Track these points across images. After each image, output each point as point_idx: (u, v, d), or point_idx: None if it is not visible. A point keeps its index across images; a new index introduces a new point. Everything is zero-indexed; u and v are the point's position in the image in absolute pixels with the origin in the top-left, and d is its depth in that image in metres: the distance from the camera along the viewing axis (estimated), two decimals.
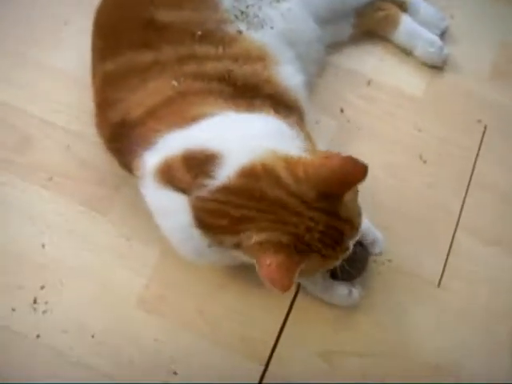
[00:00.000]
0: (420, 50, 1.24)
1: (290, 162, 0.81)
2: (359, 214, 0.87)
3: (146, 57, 1.05)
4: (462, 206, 1.08)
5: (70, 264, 0.99)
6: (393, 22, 1.26)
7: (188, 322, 0.96)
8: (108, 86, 1.07)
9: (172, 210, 0.89)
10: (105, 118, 1.05)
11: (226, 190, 0.81)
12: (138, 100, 1.01)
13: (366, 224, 1.00)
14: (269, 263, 0.77)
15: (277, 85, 1.07)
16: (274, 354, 0.95)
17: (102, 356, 0.93)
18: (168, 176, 0.90)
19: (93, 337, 0.93)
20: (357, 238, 0.86)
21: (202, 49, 1.07)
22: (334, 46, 1.23)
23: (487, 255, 1.05)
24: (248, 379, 0.94)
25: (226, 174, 0.82)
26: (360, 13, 1.26)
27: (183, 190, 0.86)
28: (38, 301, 0.95)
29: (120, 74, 1.06)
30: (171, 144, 0.93)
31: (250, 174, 0.81)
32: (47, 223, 1.02)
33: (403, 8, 1.27)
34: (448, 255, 1.04)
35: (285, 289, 0.76)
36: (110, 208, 1.04)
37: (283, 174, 0.80)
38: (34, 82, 1.17)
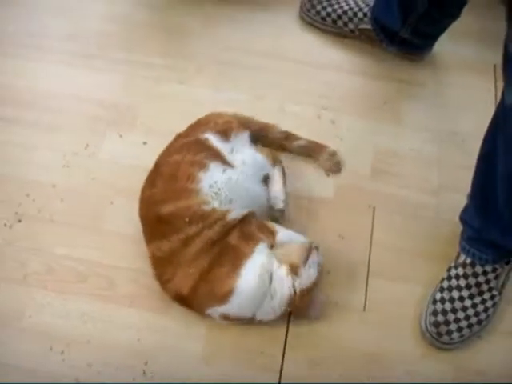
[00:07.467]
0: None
1: None
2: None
3: (165, 246, 1.30)
4: (369, 258, 1.62)
5: None
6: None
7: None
8: (156, 265, 1.36)
9: None
10: (166, 288, 1.36)
11: None
12: (177, 286, 1.32)
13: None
14: None
15: (230, 221, 1.34)
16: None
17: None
18: None
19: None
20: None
21: (191, 230, 1.29)
22: None
23: (391, 288, 1.59)
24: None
25: None
26: None
27: None
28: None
29: (159, 259, 1.33)
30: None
31: None
32: None
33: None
34: (366, 291, 1.58)
35: None
36: None
37: None
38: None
